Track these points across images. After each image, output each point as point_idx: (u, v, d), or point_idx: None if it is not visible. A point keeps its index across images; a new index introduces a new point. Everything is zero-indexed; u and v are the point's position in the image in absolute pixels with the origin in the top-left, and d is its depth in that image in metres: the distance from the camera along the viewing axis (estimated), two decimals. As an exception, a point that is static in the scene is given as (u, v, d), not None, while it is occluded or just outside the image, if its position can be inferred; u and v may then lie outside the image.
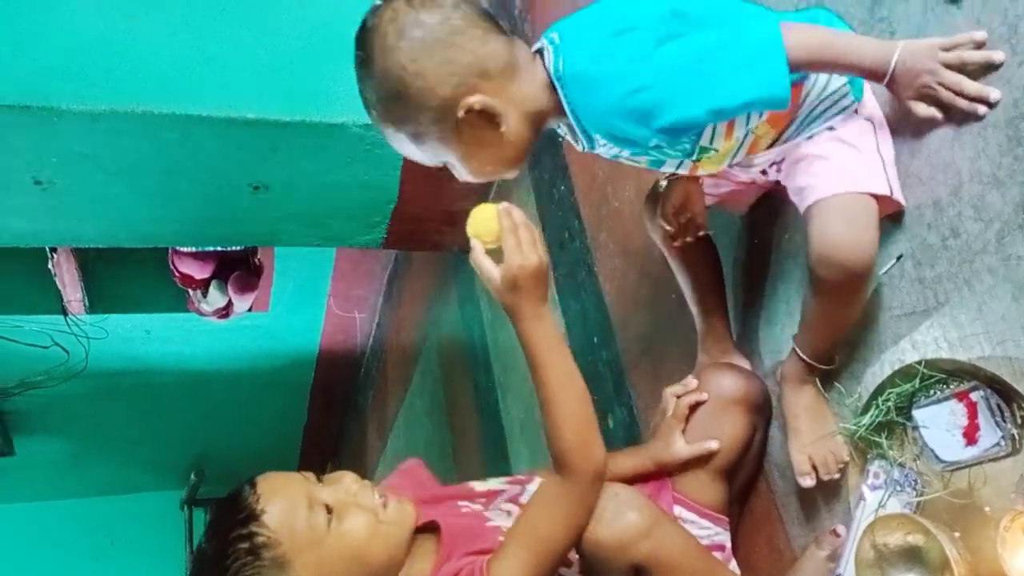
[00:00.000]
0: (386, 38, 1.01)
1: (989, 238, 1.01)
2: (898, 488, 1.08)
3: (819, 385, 1.23)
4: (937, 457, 1.05)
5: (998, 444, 0.99)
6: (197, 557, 1.06)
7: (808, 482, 1.22)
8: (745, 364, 1.44)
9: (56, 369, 4.26)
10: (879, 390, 1.12)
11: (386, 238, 2.87)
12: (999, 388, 0.99)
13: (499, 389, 2.75)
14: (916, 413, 1.07)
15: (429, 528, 1.14)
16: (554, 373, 1.09)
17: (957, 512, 1.03)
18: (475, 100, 1.03)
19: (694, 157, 1.15)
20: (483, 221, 1.10)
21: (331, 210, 2.68)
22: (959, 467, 1.03)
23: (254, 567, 1.00)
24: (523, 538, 1.06)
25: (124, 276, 4.18)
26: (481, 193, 2.74)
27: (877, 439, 1.11)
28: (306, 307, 4.52)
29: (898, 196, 1.11)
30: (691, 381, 1.37)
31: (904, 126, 1.13)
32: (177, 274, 4.08)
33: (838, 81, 1.12)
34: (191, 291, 4.24)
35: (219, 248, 4.02)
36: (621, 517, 1.09)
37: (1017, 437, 0.98)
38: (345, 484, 1.09)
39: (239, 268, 4.20)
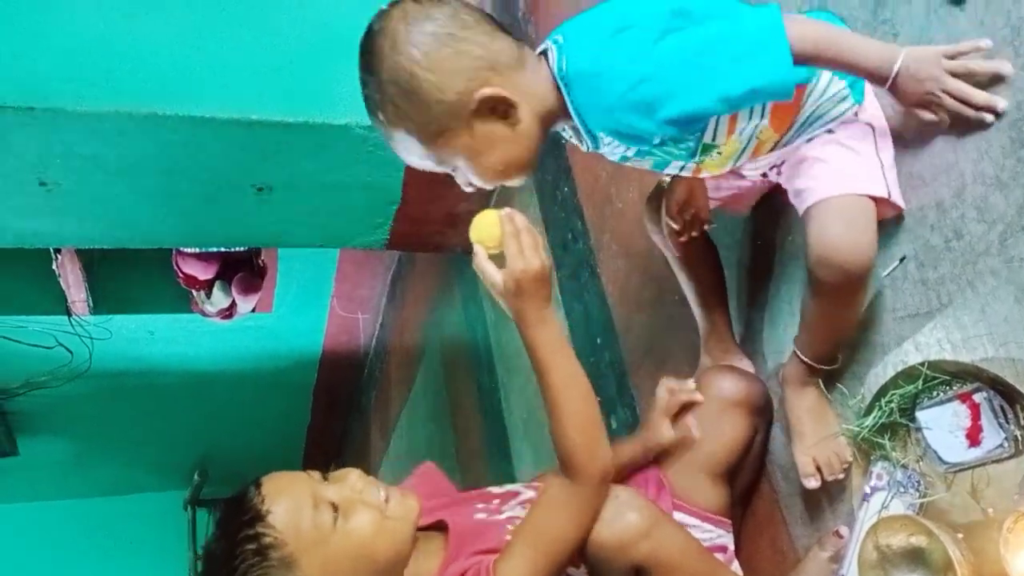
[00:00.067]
0: (397, 35, 1.01)
1: (992, 240, 1.01)
2: (901, 489, 1.08)
3: (822, 386, 1.23)
4: (940, 459, 1.05)
5: (1001, 445, 0.99)
6: (205, 558, 1.06)
7: (813, 483, 1.22)
8: (748, 365, 1.44)
9: (60, 369, 4.27)
10: (882, 391, 1.12)
11: (389, 239, 2.87)
12: (1002, 390, 0.99)
13: (502, 390, 2.75)
14: (919, 414, 1.07)
15: (439, 527, 1.15)
16: (559, 375, 1.09)
17: (960, 513, 1.03)
18: (489, 90, 1.02)
19: (697, 158, 1.15)
20: (486, 226, 1.11)
21: (334, 211, 2.69)
22: (962, 468, 1.04)
23: (262, 567, 1.00)
24: (529, 538, 1.06)
25: (128, 277, 4.18)
26: (484, 195, 2.74)
27: (880, 440, 1.11)
28: (309, 308, 4.52)
29: (896, 199, 1.11)
30: (689, 382, 1.37)
31: (907, 128, 1.13)
32: (181, 275, 4.08)
33: (838, 84, 1.12)
34: (195, 292, 4.24)
35: (223, 249, 4.02)
36: (621, 518, 1.09)
37: (1020, 438, 0.98)
38: (350, 481, 1.09)
39: (243, 269, 4.20)
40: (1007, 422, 0.99)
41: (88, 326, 4.16)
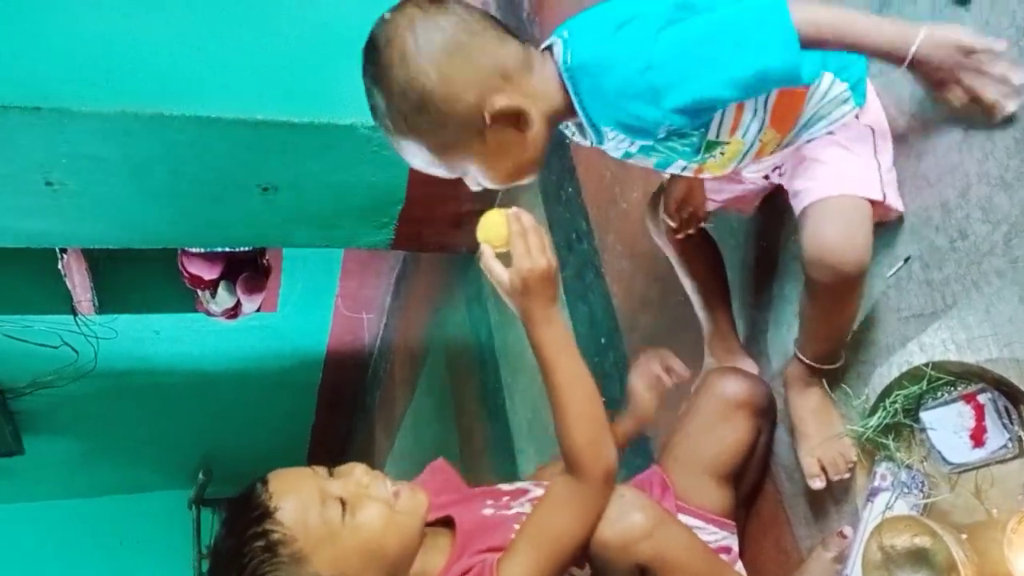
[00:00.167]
0: (405, 47, 1.00)
1: (997, 240, 1.01)
2: (905, 490, 1.08)
3: (826, 386, 1.23)
4: (944, 459, 1.05)
5: (1005, 446, 0.99)
6: (212, 557, 1.07)
7: (818, 484, 1.22)
8: (751, 365, 1.44)
9: (66, 369, 4.29)
10: (886, 392, 1.12)
11: (394, 239, 2.87)
12: (1007, 390, 0.99)
13: (506, 390, 2.76)
14: (923, 415, 1.07)
15: (446, 523, 1.15)
16: (564, 375, 1.10)
17: (964, 514, 1.03)
18: (502, 102, 1.02)
19: (700, 156, 1.14)
20: (493, 226, 1.11)
21: (339, 211, 2.69)
22: (966, 469, 1.04)
23: (271, 564, 1.00)
24: (533, 538, 1.06)
25: (133, 277, 4.19)
26: (489, 196, 2.75)
27: (884, 441, 1.11)
28: (314, 308, 4.52)
29: (891, 202, 1.11)
30: (683, 371, 1.41)
31: (912, 129, 1.13)
32: (186, 275, 4.09)
33: (840, 86, 1.12)
34: (200, 292, 4.25)
35: (228, 249, 4.03)
36: (625, 517, 1.09)
37: (1024, 439, 0.98)
38: (356, 476, 1.09)
39: (247, 269, 4.21)
40: (1011, 423, 0.99)
41: (94, 326, 4.17)
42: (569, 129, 1.16)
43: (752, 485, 1.41)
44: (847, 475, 1.19)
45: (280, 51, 2.27)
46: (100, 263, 4.04)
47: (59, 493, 5.71)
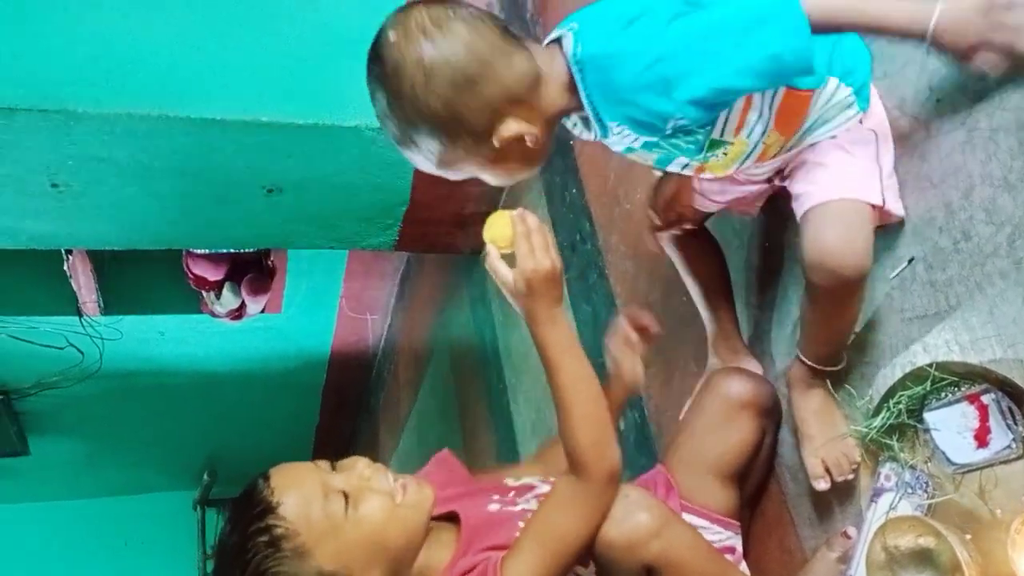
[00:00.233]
0: (415, 79, 1.00)
1: (1000, 241, 1.01)
2: (909, 490, 1.08)
3: (829, 387, 1.23)
4: (948, 460, 1.05)
5: (1009, 447, 0.99)
6: (217, 554, 1.07)
7: (823, 485, 1.22)
8: (755, 365, 1.45)
9: (71, 370, 4.30)
10: (890, 392, 1.12)
11: (398, 240, 2.88)
12: (1010, 391, 0.99)
13: (510, 391, 2.76)
14: (927, 416, 1.07)
15: (451, 518, 1.15)
16: (569, 375, 1.10)
17: (968, 514, 1.04)
18: (511, 130, 1.04)
19: (703, 155, 1.14)
20: (498, 226, 1.12)
21: (343, 212, 2.70)
22: (970, 470, 1.04)
23: (275, 559, 1.01)
24: (538, 537, 1.06)
25: (138, 278, 4.20)
26: (493, 196, 2.75)
27: (888, 441, 1.11)
28: (318, 309, 4.53)
29: (891, 207, 1.11)
30: (655, 326, 1.41)
31: (915, 130, 1.13)
32: (191, 276, 4.10)
33: (844, 91, 1.12)
34: (205, 293, 4.25)
35: (232, 250, 4.04)
36: (631, 517, 1.09)
37: (1028, 440, 0.98)
38: (358, 469, 1.10)
39: (252, 270, 4.22)
40: (1015, 423, 0.99)
41: (99, 327, 4.18)
42: (572, 121, 1.15)
43: (756, 485, 1.41)
44: (851, 476, 1.19)
45: (285, 52, 2.28)
46: (105, 264, 4.05)
47: (64, 494, 5.72)
